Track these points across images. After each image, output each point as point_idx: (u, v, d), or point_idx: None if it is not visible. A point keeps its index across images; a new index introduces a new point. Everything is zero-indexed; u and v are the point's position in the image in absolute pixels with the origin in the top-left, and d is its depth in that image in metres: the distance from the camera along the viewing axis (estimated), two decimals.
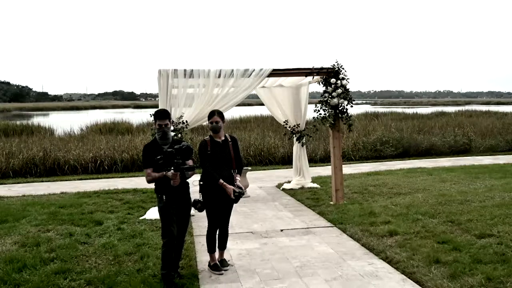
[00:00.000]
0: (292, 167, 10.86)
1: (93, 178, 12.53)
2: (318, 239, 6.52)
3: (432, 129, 20.63)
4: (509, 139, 17.69)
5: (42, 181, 12.10)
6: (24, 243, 6.24)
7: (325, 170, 12.22)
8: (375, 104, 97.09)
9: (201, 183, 5.20)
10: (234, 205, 5.40)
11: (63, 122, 29.77)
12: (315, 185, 10.38)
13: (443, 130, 19.67)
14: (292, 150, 10.82)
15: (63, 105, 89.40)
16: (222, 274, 5.22)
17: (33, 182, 12.10)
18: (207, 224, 5.35)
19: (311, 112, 9.44)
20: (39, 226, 7.16)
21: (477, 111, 34.80)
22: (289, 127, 10.28)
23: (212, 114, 5.26)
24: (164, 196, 4.83)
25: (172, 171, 4.65)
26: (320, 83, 8.76)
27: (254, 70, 8.27)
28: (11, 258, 5.57)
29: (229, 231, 5.61)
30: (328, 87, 8.49)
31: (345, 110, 8.58)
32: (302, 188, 10.21)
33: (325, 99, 8.55)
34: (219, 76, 8.18)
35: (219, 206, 5.24)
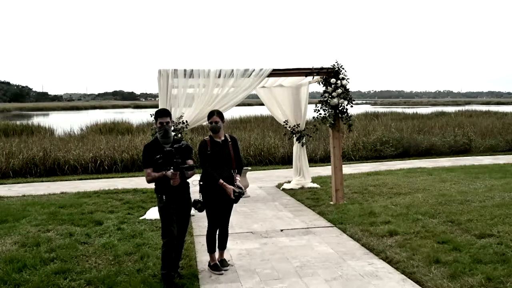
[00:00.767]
0: (292, 167, 10.86)
1: (93, 178, 12.53)
2: (318, 239, 6.52)
3: (432, 129, 20.64)
4: (509, 139, 17.69)
5: (42, 181, 12.10)
6: (24, 243, 6.24)
7: (325, 170, 12.22)
8: (375, 104, 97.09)
9: (201, 183, 5.20)
10: (234, 205, 5.40)
11: (63, 122, 29.77)
12: (315, 185, 10.38)
13: (443, 130, 19.68)
14: (292, 150, 10.82)
15: (63, 105, 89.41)
16: (222, 274, 5.22)
17: (33, 182, 12.10)
18: (207, 224, 5.35)
19: (311, 112, 9.45)
20: (39, 226, 7.16)
21: (477, 111, 34.82)
22: (289, 127, 10.28)
23: (211, 114, 5.26)
24: (164, 196, 4.83)
25: (171, 170, 4.66)
26: (320, 83, 8.76)
27: (254, 70, 8.27)
28: (11, 258, 5.57)
29: (229, 231, 5.61)
30: (328, 87, 8.50)
31: (345, 110, 8.58)
32: (302, 188, 10.21)
33: (325, 99, 8.56)
34: (219, 76, 8.18)
35: (219, 206, 5.24)
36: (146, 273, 5.14)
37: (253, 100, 51.11)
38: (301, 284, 4.90)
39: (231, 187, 5.10)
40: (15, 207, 8.44)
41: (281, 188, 10.39)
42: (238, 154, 5.32)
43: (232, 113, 27.35)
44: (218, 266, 5.32)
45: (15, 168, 13.17)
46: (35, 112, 65.59)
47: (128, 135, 18.51)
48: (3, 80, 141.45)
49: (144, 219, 7.59)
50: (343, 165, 8.96)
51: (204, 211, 5.22)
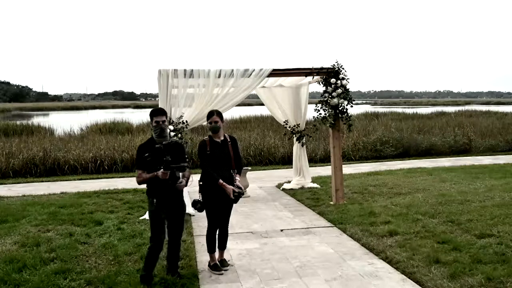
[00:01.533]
0: (292, 167, 10.86)
1: (93, 178, 12.53)
2: (318, 239, 6.52)
3: (432, 129, 20.63)
4: (509, 139, 17.69)
5: (42, 181, 12.10)
6: (24, 243, 6.24)
7: (325, 170, 12.22)
8: (375, 104, 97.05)
9: (201, 183, 5.20)
10: (234, 205, 5.40)
11: (63, 122, 29.76)
12: (315, 185, 10.38)
13: (443, 130, 19.68)
14: (292, 150, 10.82)
15: (63, 105, 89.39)
16: (222, 274, 5.22)
17: (33, 182, 12.10)
18: (207, 224, 5.35)
19: (311, 112, 9.45)
20: (39, 226, 7.16)
21: (477, 111, 34.82)
22: (289, 127, 10.28)
23: (211, 114, 5.26)
24: (155, 200, 4.77)
25: (162, 170, 4.57)
26: (320, 83, 8.76)
27: (254, 70, 8.27)
28: (11, 258, 5.57)
29: (229, 231, 5.61)
30: (328, 87, 8.50)
31: (345, 110, 8.58)
32: (302, 188, 10.21)
33: (325, 99, 8.56)
34: (219, 76, 8.18)
35: (219, 206, 5.24)
36: None
37: (253, 100, 51.07)
38: (301, 284, 4.90)
39: (231, 187, 5.10)
40: (15, 207, 8.44)
41: (281, 188, 10.39)
42: (238, 154, 5.32)
43: (232, 113, 27.35)
44: (218, 266, 5.32)
45: (15, 168, 13.16)
46: (35, 112, 65.56)
47: (128, 135, 18.51)
48: (3, 80, 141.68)
49: (144, 219, 7.58)
50: (343, 165, 8.96)
51: (204, 211, 5.22)
